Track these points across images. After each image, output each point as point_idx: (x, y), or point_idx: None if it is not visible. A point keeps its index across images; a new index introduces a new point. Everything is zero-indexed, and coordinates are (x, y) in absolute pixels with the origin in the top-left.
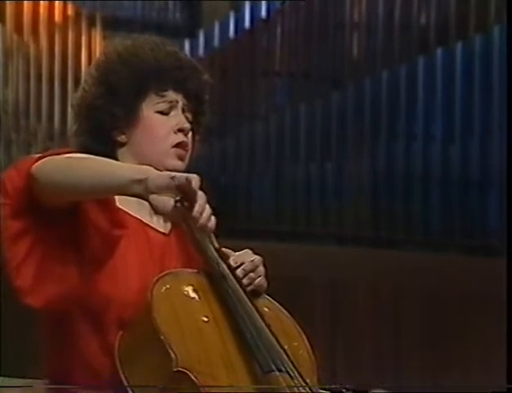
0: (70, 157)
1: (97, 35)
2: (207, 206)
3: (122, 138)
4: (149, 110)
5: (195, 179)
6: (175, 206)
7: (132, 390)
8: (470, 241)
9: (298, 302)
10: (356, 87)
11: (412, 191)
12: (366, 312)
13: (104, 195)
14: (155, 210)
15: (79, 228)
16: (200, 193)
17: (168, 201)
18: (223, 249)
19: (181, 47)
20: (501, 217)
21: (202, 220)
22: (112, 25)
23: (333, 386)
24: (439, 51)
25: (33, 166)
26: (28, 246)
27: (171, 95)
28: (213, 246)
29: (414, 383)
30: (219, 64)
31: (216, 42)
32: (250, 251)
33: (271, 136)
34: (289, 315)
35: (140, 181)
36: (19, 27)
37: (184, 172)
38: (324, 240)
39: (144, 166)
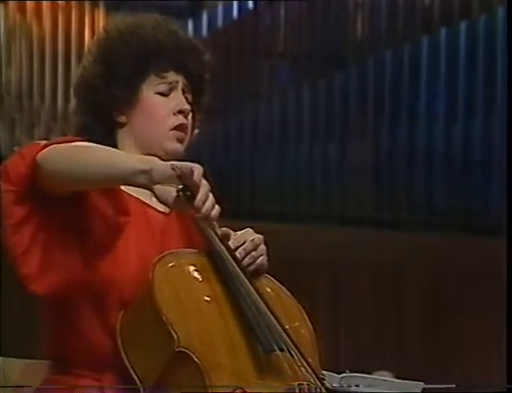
0: (75, 146)
1: (100, 15)
2: (210, 195)
3: (122, 119)
4: (149, 91)
5: (197, 169)
6: (177, 196)
7: (135, 373)
8: (472, 221)
9: (301, 283)
10: (359, 67)
11: (415, 172)
12: (368, 292)
13: (108, 185)
14: (159, 200)
15: (84, 215)
16: (204, 182)
17: (171, 191)
18: (224, 228)
19: (185, 28)
20: (501, 198)
21: (204, 210)
22: (115, 6)
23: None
24: (443, 32)
25: (39, 154)
26: (32, 233)
27: (171, 76)
28: (216, 234)
29: (415, 366)
30: (222, 44)
31: (219, 22)
32: (251, 230)
33: (275, 117)
34: (290, 295)
35: (144, 171)
36: (22, 7)
37: (185, 157)
38: (327, 221)
39: (148, 156)
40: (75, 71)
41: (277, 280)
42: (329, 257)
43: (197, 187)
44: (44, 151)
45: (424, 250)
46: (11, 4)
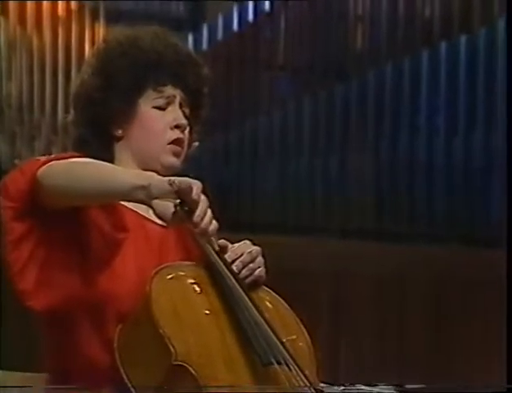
0: (75, 162)
1: (101, 28)
2: (208, 211)
3: (119, 132)
4: (146, 105)
5: (196, 185)
6: (175, 211)
7: (133, 387)
8: (473, 233)
9: (302, 295)
10: (359, 80)
11: (416, 184)
12: (369, 304)
13: (107, 201)
14: (157, 215)
15: (82, 231)
16: (202, 198)
17: (169, 207)
18: (222, 241)
19: (185, 41)
20: (502, 209)
21: (203, 225)
22: (115, 19)
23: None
24: (443, 45)
25: (39, 170)
26: (30, 249)
27: (169, 90)
28: (213, 249)
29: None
30: (222, 57)
31: (219, 35)
32: (249, 242)
33: (275, 129)
34: (288, 307)
35: (143, 187)
36: (22, 20)
37: (186, 169)
38: (328, 233)
39: (147, 172)
40: (74, 81)
41: (277, 292)
42: (330, 269)
43: (196, 203)
44: (44, 167)
45: (426, 261)
46: (12, 17)
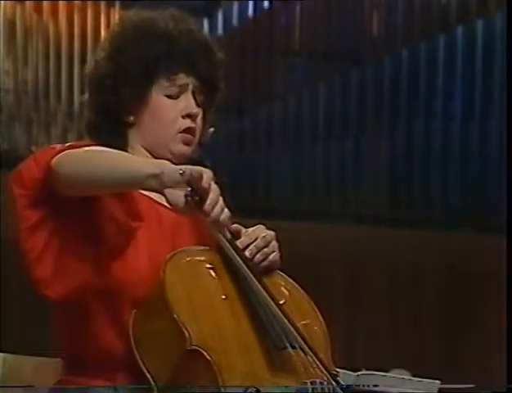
0: (89, 150)
1: (116, 15)
2: (220, 200)
3: (130, 119)
4: (158, 93)
5: (207, 174)
6: (186, 201)
7: (149, 372)
8: (489, 220)
9: (316, 281)
10: (375, 66)
11: (431, 170)
12: (383, 290)
13: (121, 189)
14: (170, 204)
15: (97, 220)
16: (213, 187)
17: (181, 196)
18: (235, 225)
19: (200, 27)
20: (501, 195)
21: (214, 214)
22: (130, 5)
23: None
24: (460, 30)
25: (54, 159)
26: (45, 238)
27: (181, 79)
28: (225, 237)
29: (431, 364)
30: (238, 43)
31: (234, 21)
32: (263, 227)
33: (290, 115)
34: (302, 291)
35: (155, 175)
36: (38, 7)
37: (201, 156)
38: (342, 219)
39: (160, 160)
40: (89, 63)
41: (292, 278)
42: (344, 255)
43: (206, 192)
44: (58, 155)
45: (441, 248)
46: (28, 4)
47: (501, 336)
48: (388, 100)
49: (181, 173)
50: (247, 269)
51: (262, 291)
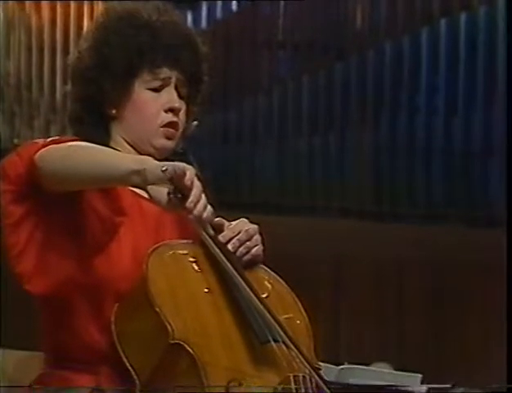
0: (72, 145)
1: (100, 6)
2: (202, 197)
3: (112, 112)
4: (140, 86)
5: (189, 171)
6: (169, 198)
7: (131, 365)
8: (472, 213)
9: (301, 276)
10: (359, 58)
11: (415, 164)
12: (368, 285)
13: (104, 185)
14: (153, 200)
15: (80, 215)
16: (196, 184)
17: (164, 192)
18: (218, 219)
19: (184, 19)
20: (501, 188)
21: (196, 211)
22: None
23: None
24: (443, 22)
25: (37, 154)
26: (28, 233)
27: (164, 72)
28: (208, 234)
29: (416, 360)
30: (221, 35)
31: (218, 13)
32: (246, 220)
33: (274, 108)
34: (285, 285)
35: (138, 172)
36: None
37: (186, 149)
38: (327, 213)
39: (142, 156)
40: (72, 53)
41: (276, 272)
42: (329, 249)
43: (189, 189)
44: (42, 150)
45: (425, 242)
46: None
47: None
48: (372, 93)
49: (163, 171)
50: (230, 265)
51: (245, 285)
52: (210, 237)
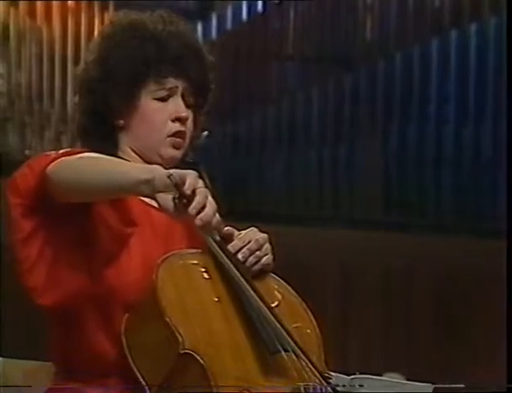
0: (82, 158)
1: (110, 18)
2: (208, 203)
3: (120, 123)
4: (147, 96)
5: (191, 177)
6: (175, 204)
7: (142, 376)
8: (482, 224)
9: (310, 285)
10: (369, 69)
11: (424, 174)
12: (377, 295)
13: (115, 196)
14: (162, 209)
15: (90, 227)
16: (200, 190)
17: (171, 200)
18: (228, 228)
19: (193, 30)
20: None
21: (200, 218)
22: (125, 6)
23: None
24: (453, 33)
25: (48, 167)
26: (39, 247)
27: (170, 82)
28: (215, 240)
29: (425, 369)
30: (231, 46)
31: (228, 24)
32: (256, 229)
33: (284, 119)
34: (295, 294)
35: (147, 181)
36: (32, 10)
37: (194, 160)
38: (335, 223)
39: (151, 165)
40: (80, 65)
41: (285, 281)
42: (337, 260)
43: (192, 194)
44: (53, 164)
45: (434, 252)
46: (21, 7)
47: (499, 339)
48: (381, 103)
49: (168, 177)
50: (237, 272)
51: (253, 293)
52: (217, 243)
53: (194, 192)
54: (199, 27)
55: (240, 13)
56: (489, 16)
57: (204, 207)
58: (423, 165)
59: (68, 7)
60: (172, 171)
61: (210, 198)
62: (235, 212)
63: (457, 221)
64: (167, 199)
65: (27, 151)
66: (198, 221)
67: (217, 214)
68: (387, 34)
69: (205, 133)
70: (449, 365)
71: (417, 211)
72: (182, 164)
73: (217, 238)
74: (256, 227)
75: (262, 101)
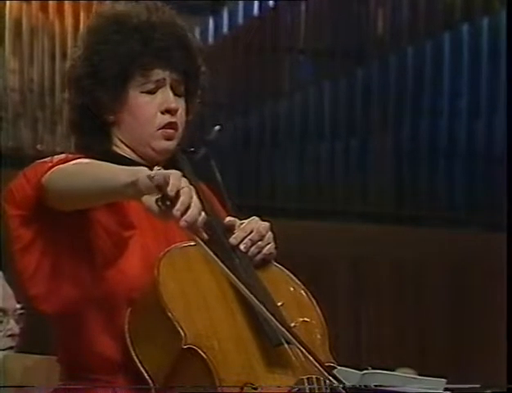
0: (77, 164)
1: (95, 10)
2: (192, 203)
3: (110, 118)
4: (135, 90)
5: (173, 177)
6: (158, 206)
7: (146, 371)
8: (493, 217)
9: (322, 279)
10: (380, 63)
11: (436, 168)
12: (389, 288)
13: (108, 200)
14: (148, 210)
15: (89, 233)
16: (184, 190)
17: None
18: (229, 218)
19: (205, 25)
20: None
21: (185, 219)
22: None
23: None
24: (465, 27)
25: (44, 177)
26: (39, 255)
27: (157, 74)
28: (202, 240)
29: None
30: (243, 41)
31: (240, 19)
32: (257, 218)
33: (295, 113)
34: (299, 282)
35: (132, 183)
36: (44, 6)
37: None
38: (348, 217)
39: (136, 167)
40: (68, 60)
41: (296, 275)
42: (349, 253)
43: (176, 195)
44: (48, 173)
45: (446, 245)
46: (34, 3)
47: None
48: (393, 98)
49: (150, 178)
50: (228, 271)
51: (244, 288)
52: (204, 242)
53: (178, 193)
54: (211, 21)
55: (252, 8)
56: (500, 10)
57: (188, 208)
58: (434, 160)
59: (80, 3)
60: (154, 172)
61: (195, 197)
62: (247, 206)
63: (469, 215)
64: (152, 201)
65: (39, 146)
66: (183, 222)
67: (203, 213)
68: (399, 29)
69: (217, 127)
70: (462, 359)
71: (429, 205)
72: (182, 152)
73: (205, 236)
74: (268, 221)
75: (273, 95)
